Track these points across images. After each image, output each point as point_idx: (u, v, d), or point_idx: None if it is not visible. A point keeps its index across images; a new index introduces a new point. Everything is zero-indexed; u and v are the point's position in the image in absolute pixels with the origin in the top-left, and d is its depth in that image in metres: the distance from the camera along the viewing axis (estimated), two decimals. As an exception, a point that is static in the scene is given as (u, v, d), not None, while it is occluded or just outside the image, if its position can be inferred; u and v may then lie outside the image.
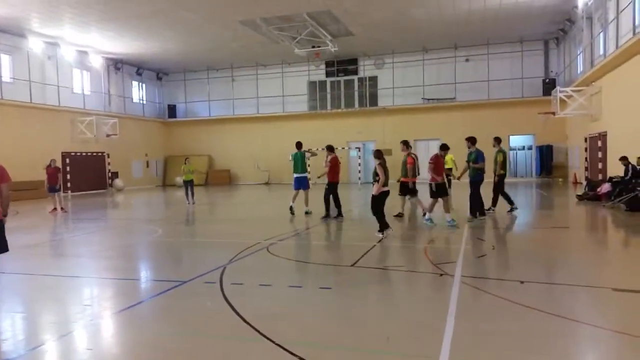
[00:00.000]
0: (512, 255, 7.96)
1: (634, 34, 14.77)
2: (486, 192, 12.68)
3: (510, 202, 13.25)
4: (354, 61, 31.48)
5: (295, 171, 13.67)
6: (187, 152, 33.61)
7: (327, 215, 12.62)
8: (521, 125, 27.73)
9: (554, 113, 22.17)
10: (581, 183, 22.15)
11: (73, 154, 26.32)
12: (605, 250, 8.88)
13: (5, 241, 5.90)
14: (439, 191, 11.31)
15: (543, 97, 26.01)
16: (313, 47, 25.80)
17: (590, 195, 15.98)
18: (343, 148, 29.68)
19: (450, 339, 4.18)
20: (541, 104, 25.30)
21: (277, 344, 4.16)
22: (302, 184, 13.65)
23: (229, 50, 28.15)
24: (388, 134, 30.13)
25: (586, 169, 22.05)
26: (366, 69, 31.36)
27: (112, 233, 12.38)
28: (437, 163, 11.41)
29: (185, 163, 18.69)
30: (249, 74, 32.96)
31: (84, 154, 27.13)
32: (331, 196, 12.75)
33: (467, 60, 29.25)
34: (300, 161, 13.62)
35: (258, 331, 4.50)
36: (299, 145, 13.83)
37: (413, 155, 12.49)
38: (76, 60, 26.91)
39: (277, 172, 31.35)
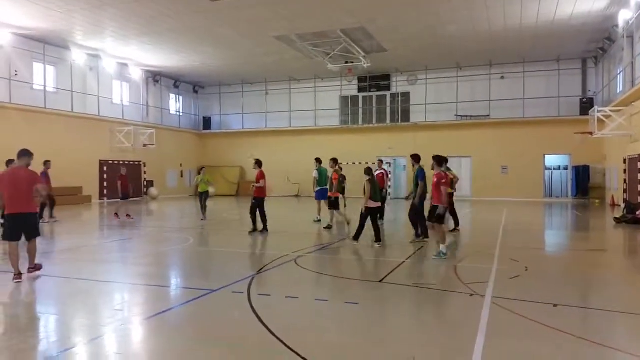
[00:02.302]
0: (546, 278, 7.75)
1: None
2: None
3: (457, 221, 12.90)
4: (386, 77, 31.50)
5: (320, 185, 15.08)
6: (220, 163, 34.18)
7: (255, 229, 12.75)
8: (557, 144, 27.16)
9: (591, 133, 21.62)
10: (619, 205, 21.46)
11: (111, 162, 27.05)
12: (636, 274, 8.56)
13: (39, 228, 7.80)
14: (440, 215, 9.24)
15: (580, 117, 25.42)
16: (346, 62, 25.97)
17: (629, 219, 15.45)
18: (373, 163, 29.58)
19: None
20: (578, 124, 24.74)
21: (302, 357, 4.16)
22: (324, 195, 14.87)
23: (263, 64, 28.60)
24: (419, 150, 29.65)
25: (625, 191, 21.36)
26: (399, 84, 31.33)
27: (145, 240, 12.63)
28: (439, 182, 9.24)
29: (199, 173, 17.49)
30: (282, 88, 33.37)
31: (121, 162, 27.83)
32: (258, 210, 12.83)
33: (502, 77, 28.88)
34: (324, 175, 15.08)
35: (283, 343, 4.51)
36: (319, 160, 15.58)
37: (338, 171, 14.42)
38: (116, 72, 27.79)
39: (307, 185, 31.44)
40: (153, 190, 29.30)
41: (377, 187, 10.59)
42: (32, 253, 7.61)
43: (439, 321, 5.47)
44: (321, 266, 8.80)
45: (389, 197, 12.58)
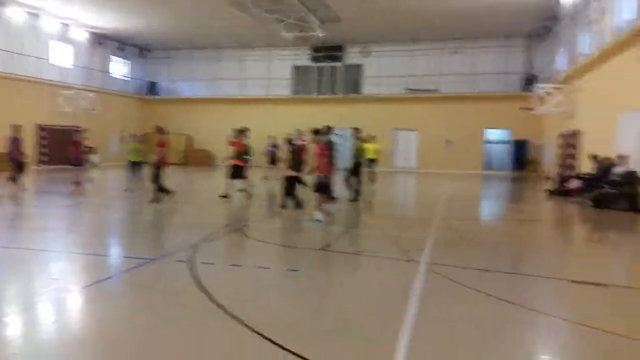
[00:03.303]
0: (480, 246, 8.19)
1: (614, 36, 15.09)
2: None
3: (358, 192, 13.20)
4: (340, 48, 31.44)
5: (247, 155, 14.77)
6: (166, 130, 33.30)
7: (159, 197, 12.48)
8: (499, 119, 28.18)
9: (532, 109, 22.54)
10: (553, 178, 22.65)
11: (50, 127, 25.89)
12: (568, 244, 9.20)
13: None
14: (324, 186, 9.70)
15: (522, 93, 26.40)
16: (300, 31, 25.69)
17: (560, 191, 16.39)
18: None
19: (411, 322, 4.34)
20: (520, 99, 25.72)
21: (244, 324, 4.26)
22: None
23: (214, 29, 27.86)
24: (370, 122, 30.21)
25: (559, 165, 22.53)
26: (352, 56, 31.37)
27: (85, 209, 12.31)
28: (322, 153, 9.55)
29: (132, 140, 15.63)
30: (233, 55, 32.69)
31: (60, 127, 26.69)
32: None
33: (454, 52, 29.43)
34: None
35: (224, 309, 4.61)
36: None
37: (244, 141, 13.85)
38: (58, 32, 26.37)
39: (257, 155, 31.27)
40: (94, 157, 28.29)
41: (297, 158, 10.84)
42: None
43: (376, 286, 5.71)
44: (266, 235, 8.90)
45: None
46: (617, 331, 4.28)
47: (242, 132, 13.97)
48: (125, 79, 33.09)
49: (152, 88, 34.07)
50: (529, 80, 26.76)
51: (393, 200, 16.24)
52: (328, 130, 9.94)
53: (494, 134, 29.95)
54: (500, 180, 24.82)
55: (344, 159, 14.01)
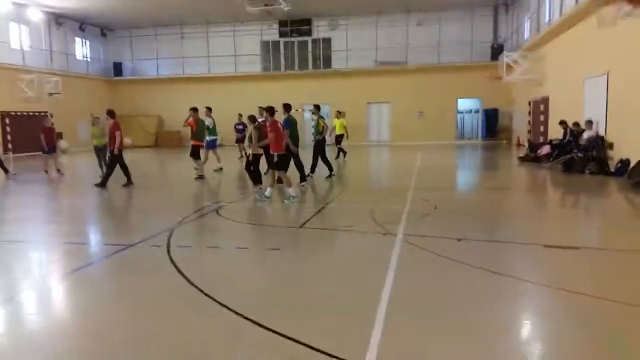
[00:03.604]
0: (453, 215, 8.33)
1: (576, 2, 15.24)
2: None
3: (330, 168, 13.35)
4: (307, 21, 31.02)
5: (211, 134, 15.05)
6: (136, 112, 32.61)
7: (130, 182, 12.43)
8: (469, 89, 28.40)
9: (500, 77, 22.78)
10: (524, 145, 23.09)
11: (13, 113, 25.02)
12: (540, 209, 9.42)
13: None
14: (283, 163, 9.91)
15: (491, 62, 26.59)
16: (265, 5, 25.20)
17: (531, 157, 16.74)
18: (297, 110, 29.53)
19: (388, 294, 4.42)
20: (489, 69, 25.90)
21: (222, 305, 4.28)
22: (214, 144, 15.35)
23: (177, 6, 27.09)
24: (342, 96, 30.17)
25: (529, 131, 22.95)
26: (320, 30, 31.01)
27: (62, 196, 12.05)
28: (275, 130, 9.78)
29: (93, 124, 15.04)
30: (199, 32, 31.96)
31: (25, 113, 25.83)
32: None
33: (418, 24, 29.37)
34: (214, 125, 15.28)
35: (201, 291, 4.61)
36: (210, 109, 15.27)
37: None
38: (12, 12, 25.25)
39: (228, 134, 30.94)
40: (63, 143, 27.51)
41: (261, 135, 10.66)
42: None
43: (353, 260, 5.78)
44: (243, 215, 8.88)
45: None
46: (589, 292, 4.44)
47: (195, 110, 13.96)
48: (88, 60, 32.03)
49: (118, 69, 33.12)
50: (497, 50, 26.95)
51: (367, 174, 16.34)
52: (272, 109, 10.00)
53: (465, 103, 30.24)
54: (473, 149, 25.17)
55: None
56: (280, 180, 10.42)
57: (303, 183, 11.59)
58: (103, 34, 32.90)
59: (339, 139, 19.21)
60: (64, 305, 4.66)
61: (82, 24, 30.45)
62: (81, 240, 7.26)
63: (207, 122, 14.93)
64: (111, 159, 12.28)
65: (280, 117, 10.61)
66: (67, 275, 5.34)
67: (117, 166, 12.29)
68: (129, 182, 12.32)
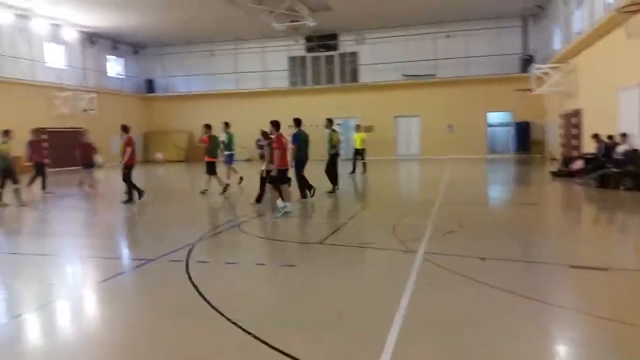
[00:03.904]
0: (478, 232, 8.09)
1: (605, 12, 14.85)
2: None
3: (335, 183, 13.18)
4: (334, 36, 31.19)
5: (229, 149, 15.13)
6: (168, 128, 33.28)
7: (130, 200, 12.26)
8: (499, 102, 27.91)
9: (530, 90, 22.32)
10: (557, 159, 22.48)
11: (50, 130, 25.82)
12: (570, 227, 9.08)
13: None
14: (281, 178, 9.97)
15: (521, 74, 26.11)
16: (291, 21, 25.45)
17: (564, 172, 16.23)
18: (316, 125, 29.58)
19: (402, 316, 4.27)
20: (519, 81, 25.43)
21: (232, 322, 4.22)
22: (232, 159, 15.41)
23: (206, 23, 27.64)
24: (369, 110, 30.14)
25: (562, 145, 22.34)
26: (347, 44, 31.12)
27: (95, 211, 12.27)
28: (280, 145, 9.91)
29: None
30: (228, 49, 32.50)
31: (61, 129, 26.63)
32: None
33: (447, 36, 29.14)
34: (232, 140, 15.40)
35: (216, 309, 4.56)
36: (228, 125, 15.37)
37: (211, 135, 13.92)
38: (49, 33, 26.23)
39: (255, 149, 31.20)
40: (98, 158, 28.23)
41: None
42: None
43: (371, 278, 5.64)
44: (265, 231, 8.85)
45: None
46: (623, 319, 4.19)
47: (208, 127, 14.02)
48: (121, 77, 32.92)
49: (150, 86, 33.95)
50: (527, 61, 26.47)
51: (393, 189, 16.13)
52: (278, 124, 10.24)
53: (496, 117, 29.71)
54: (504, 163, 24.65)
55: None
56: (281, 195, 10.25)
57: (304, 199, 11.64)
58: (135, 52, 33.82)
59: (359, 152, 18.89)
60: (77, 317, 4.66)
61: (115, 42, 31.38)
62: (103, 255, 7.32)
63: (223, 137, 15.00)
64: (123, 173, 12.21)
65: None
66: (86, 289, 5.38)
67: (133, 181, 12.29)
68: (129, 200, 12.12)
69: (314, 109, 30.32)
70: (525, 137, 28.22)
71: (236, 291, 5.24)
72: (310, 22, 25.13)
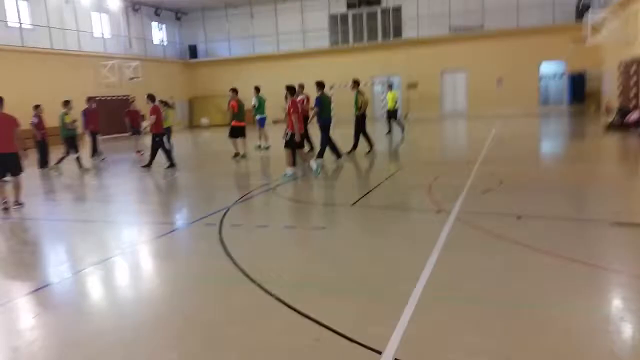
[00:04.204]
0: (518, 190, 7.78)
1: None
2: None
3: (370, 143, 12.94)
4: (377, -9, 30.17)
5: (260, 112, 15.35)
6: (212, 92, 33.59)
7: (172, 165, 12.36)
8: (552, 52, 26.34)
9: (584, 40, 20.93)
10: (613, 111, 21.21)
11: (98, 98, 26.60)
12: (619, 182, 8.56)
13: (21, 166, 8.35)
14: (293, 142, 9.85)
15: (576, 23, 24.45)
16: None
17: (619, 124, 15.33)
18: (365, 84, 29.06)
19: (427, 277, 4.20)
20: (574, 30, 23.84)
21: (257, 284, 4.28)
22: (263, 123, 15.58)
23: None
24: (413, 67, 29.28)
25: (619, 96, 20.99)
26: (389, -2, 30.05)
27: (134, 177, 12.65)
28: (296, 110, 9.79)
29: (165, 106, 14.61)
30: (267, 10, 32.09)
31: (109, 97, 27.41)
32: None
33: (496, -17, 27.56)
34: (263, 103, 15.55)
35: (243, 271, 4.63)
36: (258, 89, 15.48)
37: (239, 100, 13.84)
38: (94, 3, 26.68)
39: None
40: (144, 124, 29.02)
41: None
42: (16, 189, 8.31)
43: (399, 240, 5.55)
44: (299, 193, 8.87)
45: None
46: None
47: (235, 92, 13.97)
48: (165, 44, 33.29)
49: (193, 51, 34.21)
50: (582, 9, 24.70)
51: (434, 148, 15.69)
52: (300, 87, 11.04)
53: (548, 68, 28.19)
54: (558, 116, 23.55)
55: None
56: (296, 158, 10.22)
57: (338, 159, 11.65)
58: (177, 18, 33.99)
59: (391, 113, 18.20)
60: (111, 283, 4.86)
61: (157, 8, 31.60)
62: (142, 220, 7.57)
63: (254, 101, 15.12)
64: (155, 142, 12.41)
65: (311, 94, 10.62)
66: (122, 253, 5.59)
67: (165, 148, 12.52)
68: (149, 165, 12.39)
69: (356, 68, 29.69)
70: (580, 88, 26.69)
71: (264, 254, 5.30)
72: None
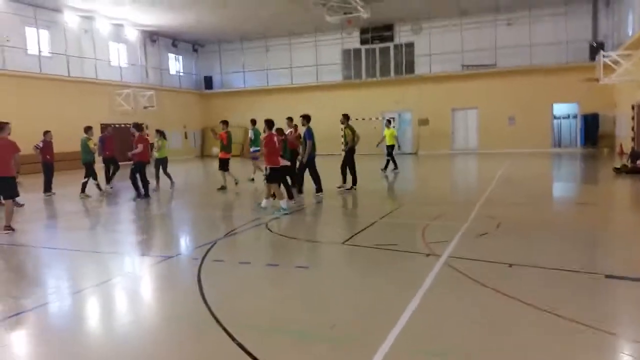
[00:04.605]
0: (515, 235, 7.49)
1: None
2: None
3: (345, 180, 12.81)
4: (389, 27, 30.52)
5: (255, 145, 15.38)
6: (224, 123, 33.89)
7: (139, 195, 12.33)
8: (565, 92, 26.23)
9: (597, 79, 20.77)
10: (627, 153, 20.82)
11: (112, 125, 26.98)
12: (625, 231, 8.21)
13: (17, 190, 8.61)
14: (272, 176, 9.94)
15: (590, 63, 24.36)
16: (345, 13, 25.11)
17: (630, 168, 14.96)
18: (377, 118, 29.11)
19: (401, 327, 3.96)
20: (587, 70, 23.75)
21: (223, 328, 4.08)
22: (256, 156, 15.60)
23: (261, 19, 27.86)
24: (425, 103, 29.33)
25: (632, 139, 20.65)
26: (402, 35, 30.36)
27: (125, 207, 12.59)
28: (269, 144, 9.92)
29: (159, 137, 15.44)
30: (282, 44, 32.62)
31: (122, 125, 27.76)
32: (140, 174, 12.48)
33: (509, 24, 27.73)
34: (258, 136, 15.16)
35: (211, 313, 4.44)
36: (254, 122, 15.83)
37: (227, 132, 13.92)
38: (112, 33, 27.40)
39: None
40: (154, 153, 29.27)
41: (287, 147, 11.32)
42: (7, 213, 8.37)
43: (382, 283, 5.30)
44: (293, 229, 8.68)
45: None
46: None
47: (225, 123, 14.11)
48: (181, 74, 33.91)
49: (208, 82, 34.77)
50: (596, 49, 24.63)
51: (437, 186, 15.40)
52: (289, 120, 11.87)
53: (562, 108, 27.98)
54: (569, 158, 23.15)
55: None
56: (274, 195, 10.05)
57: (319, 194, 11.66)
58: (194, 49, 34.71)
59: (389, 149, 17.95)
60: (73, 315, 4.69)
61: (174, 40, 32.33)
62: (124, 250, 7.43)
63: (250, 134, 15.23)
64: (131, 170, 12.40)
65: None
66: (96, 287, 5.42)
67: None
68: (138, 196, 12.32)
69: (368, 103, 29.89)
70: (593, 130, 26.36)
71: (239, 294, 5.10)
72: (364, 14, 24.68)
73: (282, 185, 10.33)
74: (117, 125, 27.12)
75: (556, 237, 7.35)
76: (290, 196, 10.62)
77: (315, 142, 11.69)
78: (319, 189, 11.76)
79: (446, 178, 17.95)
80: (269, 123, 10.22)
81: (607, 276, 5.19)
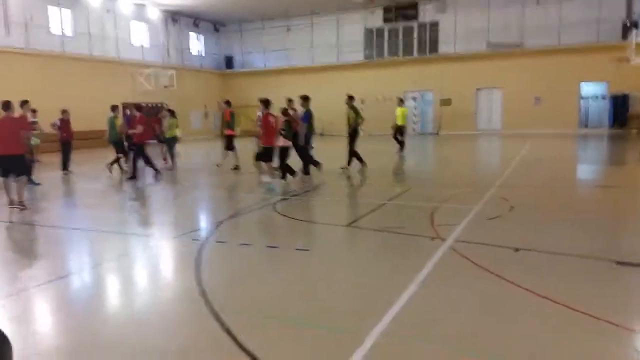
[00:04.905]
0: (527, 218, 7.24)
1: None
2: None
3: (350, 161, 12.49)
4: (413, 5, 29.82)
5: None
6: (244, 103, 33.85)
7: (134, 177, 12.15)
8: (594, 72, 25.31)
9: (629, 59, 19.94)
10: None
11: (134, 104, 27.21)
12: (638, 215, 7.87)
13: (29, 167, 9.13)
14: (264, 155, 10.37)
15: (621, 43, 23.37)
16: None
17: (658, 151, 14.40)
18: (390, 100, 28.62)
19: (397, 312, 3.84)
20: (618, 50, 22.80)
21: (213, 311, 4.02)
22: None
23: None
24: (448, 83, 28.72)
25: (663, 120, 19.85)
26: (427, 13, 29.62)
27: (146, 185, 12.64)
28: (264, 124, 10.22)
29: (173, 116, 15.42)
30: (303, 23, 32.22)
31: (144, 104, 27.93)
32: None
33: (537, 2, 26.75)
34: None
35: (204, 296, 4.38)
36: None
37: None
38: (134, 12, 27.46)
39: (329, 125, 30.88)
40: (177, 132, 29.47)
41: (291, 127, 11.13)
42: (18, 190, 8.40)
43: (382, 267, 5.17)
44: (298, 211, 8.57)
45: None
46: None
47: (228, 103, 14.34)
48: (202, 54, 33.90)
49: (229, 62, 34.70)
50: (629, 28, 23.56)
51: (454, 167, 15.03)
52: (288, 101, 11.71)
53: (590, 88, 27.06)
54: (595, 139, 22.45)
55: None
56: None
57: (306, 176, 11.50)
58: (216, 29, 34.58)
59: (400, 130, 17.07)
60: (71, 300, 4.70)
61: (196, 19, 32.24)
62: (128, 231, 7.46)
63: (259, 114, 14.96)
64: (136, 152, 12.40)
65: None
66: (98, 266, 5.45)
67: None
68: (132, 177, 12.25)
69: (390, 83, 29.42)
70: (622, 110, 25.45)
71: (235, 277, 5.03)
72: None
73: (267, 163, 10.52)
74: (138, 105, 27.36)
75: (570, 222, 7.06)
76: (287, 175, 10.59)
77: (313, 124, 11.84)
78: (306, 172, 11.60)
79: (465, 159, 17.55)
80: (266, 102, 10.19)
81: (619, 263, 4.95)
